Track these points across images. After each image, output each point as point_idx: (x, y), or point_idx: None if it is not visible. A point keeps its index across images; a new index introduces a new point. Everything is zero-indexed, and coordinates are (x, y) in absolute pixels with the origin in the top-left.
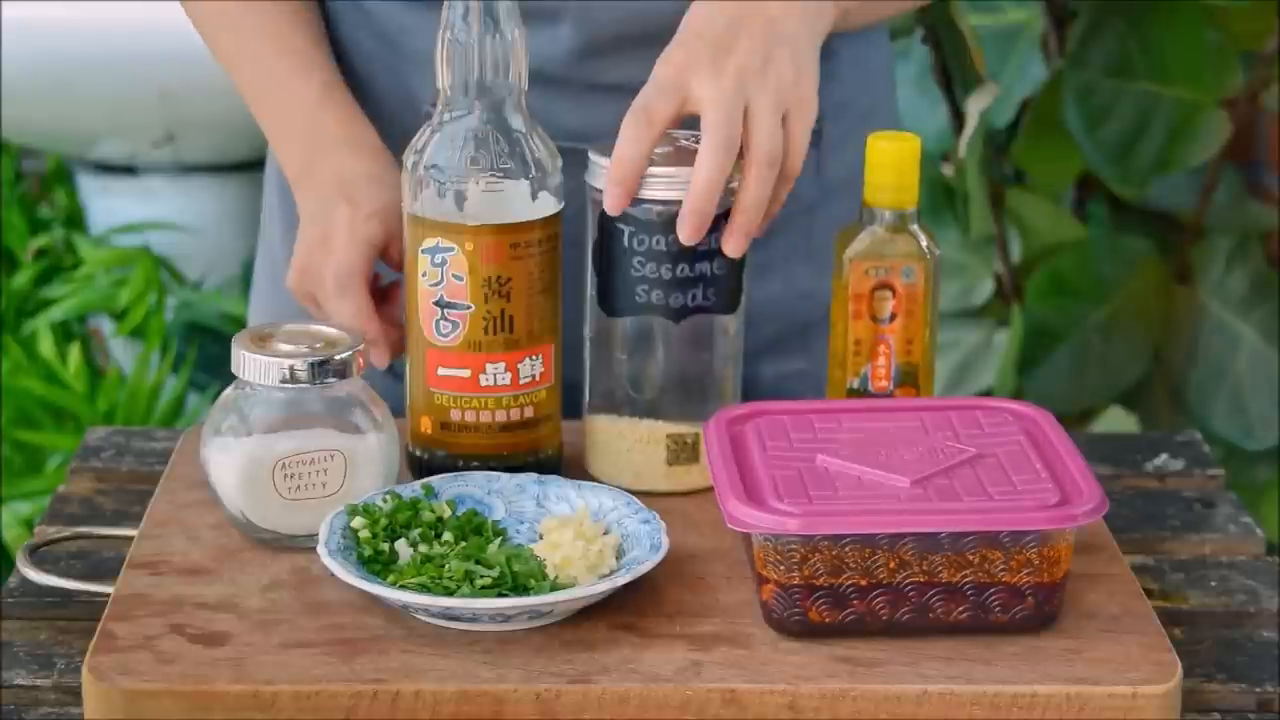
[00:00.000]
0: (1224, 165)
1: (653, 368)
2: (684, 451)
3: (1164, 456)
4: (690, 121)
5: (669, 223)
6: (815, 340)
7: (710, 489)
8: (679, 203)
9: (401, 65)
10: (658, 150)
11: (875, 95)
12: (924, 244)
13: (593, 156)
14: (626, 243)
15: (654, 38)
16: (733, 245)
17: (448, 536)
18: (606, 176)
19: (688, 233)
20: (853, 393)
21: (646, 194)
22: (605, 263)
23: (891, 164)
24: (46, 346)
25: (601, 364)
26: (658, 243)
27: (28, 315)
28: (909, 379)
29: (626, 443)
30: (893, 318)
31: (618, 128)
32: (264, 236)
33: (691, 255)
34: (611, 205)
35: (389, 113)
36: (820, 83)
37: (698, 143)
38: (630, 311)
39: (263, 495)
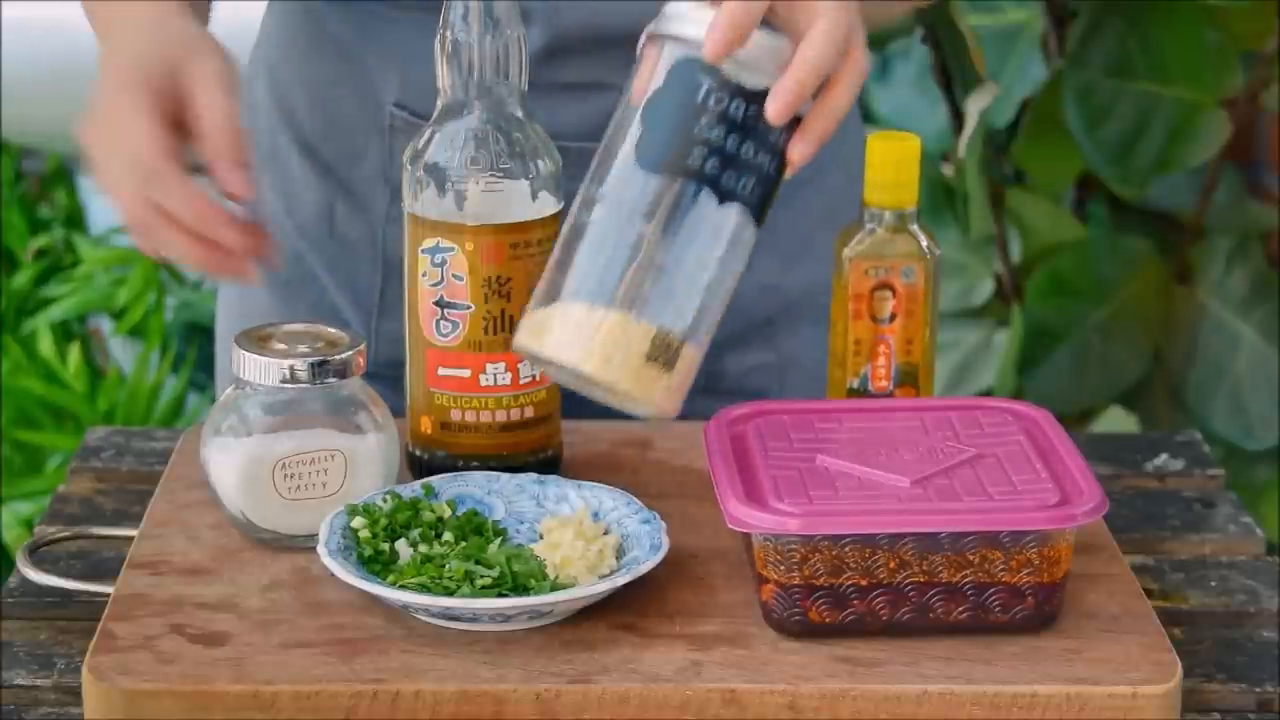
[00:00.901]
0: (1224, 165)
1: (662, 253)
2: (663, 354)
3: (1164, 456)
4: None
5: (754, 95)
6: (778, 333)
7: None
8: (767, 79)
9: (365, 65)
10: None
11: None
12: (924, 244)
13: (672, 4)
14: (701, 98)
15: (620, 37)
16: (801, 149)
17: (448, 536)
18: (715, 21)
19: (778, 107)
20: (853, 393)
21: (741, 54)
22: (666, 114)
23: (891, 164)
24: (46, 346)
25: (604, 236)
26: (735, 108)
27: (28, 315)
28: (909, 379)
29: (600, 328)
30: (893, 318)
31: (584, 127)
32: None
33: (759, 140)
34: (714, 50)
35: (354, 114)
36: None
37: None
38: (677, 172)
39: (263, 495)
